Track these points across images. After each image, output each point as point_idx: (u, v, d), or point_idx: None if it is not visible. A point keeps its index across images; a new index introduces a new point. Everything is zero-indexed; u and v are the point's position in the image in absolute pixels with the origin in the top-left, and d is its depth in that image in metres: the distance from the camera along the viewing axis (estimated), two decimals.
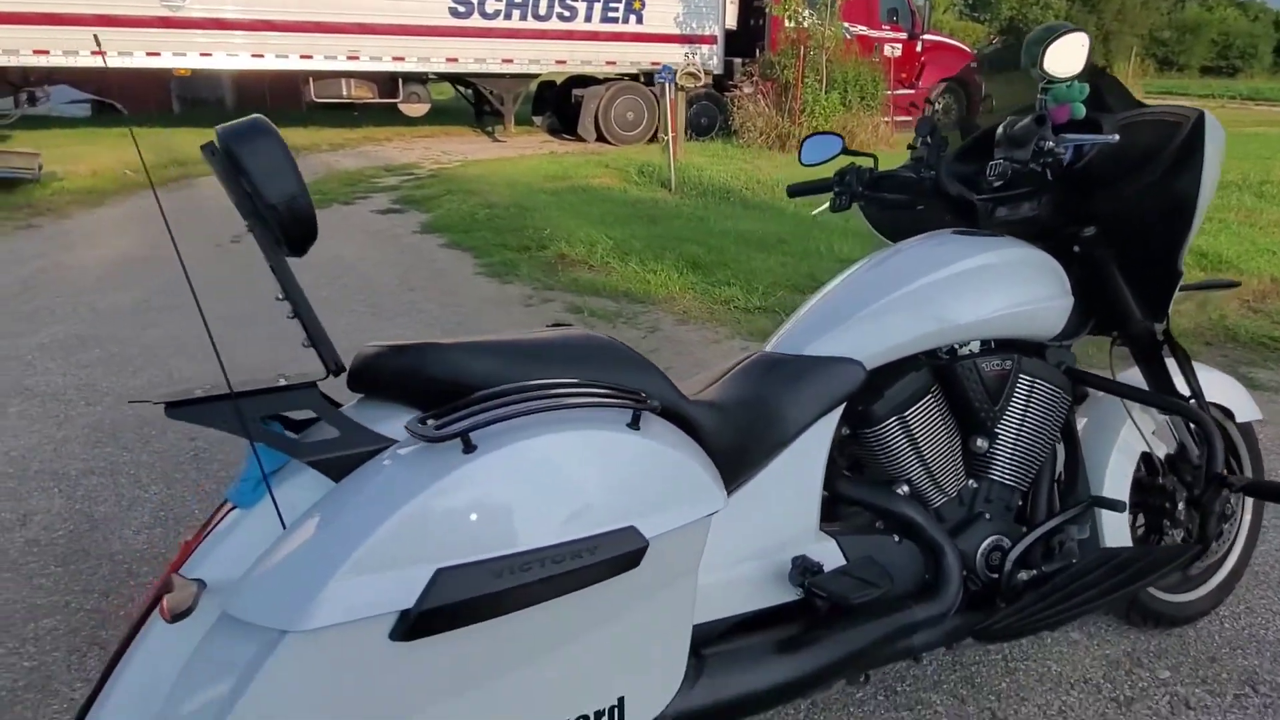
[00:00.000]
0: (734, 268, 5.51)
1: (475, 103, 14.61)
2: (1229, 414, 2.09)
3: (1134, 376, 1.99)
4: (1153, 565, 1.82)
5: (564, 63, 13.17)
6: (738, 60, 13.98)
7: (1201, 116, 1.68)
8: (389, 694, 1.14)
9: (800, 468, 1.58)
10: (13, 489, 2.80)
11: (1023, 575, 1.77)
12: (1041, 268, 1.78)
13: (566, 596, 1.18)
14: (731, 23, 14.17)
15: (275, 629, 1.09)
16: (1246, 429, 2.16)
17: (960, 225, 1.86)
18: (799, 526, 1.58)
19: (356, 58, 11.99)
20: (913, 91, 14.64)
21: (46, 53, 10.50)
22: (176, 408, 1.22)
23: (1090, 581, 1.76)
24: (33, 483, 2.84)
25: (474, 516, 1.14)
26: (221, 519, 1.30)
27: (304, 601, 1.08)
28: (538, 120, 15.06)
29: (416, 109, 13.64)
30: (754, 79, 12.60)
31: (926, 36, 15.05)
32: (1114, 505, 1.86)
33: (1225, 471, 1.91)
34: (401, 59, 12.22)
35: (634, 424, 1.25)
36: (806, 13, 12.22)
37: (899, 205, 1.96)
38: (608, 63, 13.39)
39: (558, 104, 14.39)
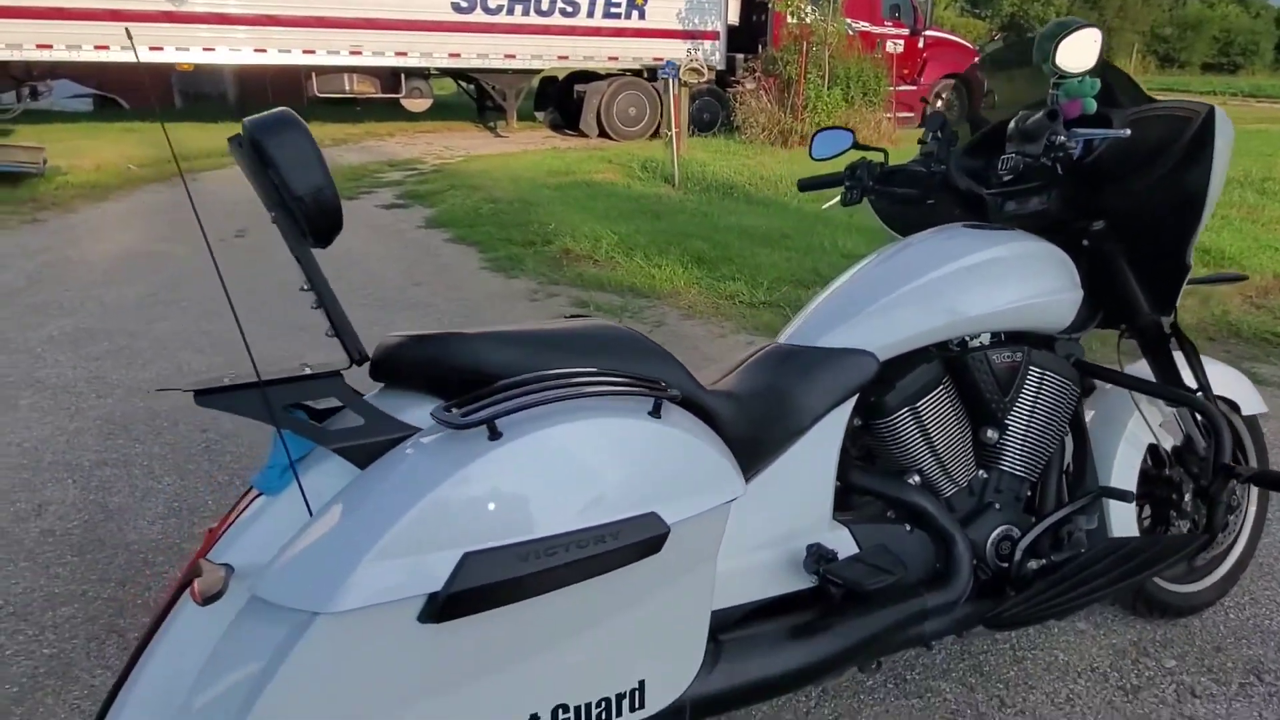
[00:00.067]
0: (738, 263, 5.53)
1: (477, 98, 14.60)
2: (1235, 407, 2.12)
3: (1141, 369, 2.02)
4: (1160, 555, 1.85)
5: (566, 58, 13.18)
6: (740, 56, 13.98)
7: (1212, 111, 1.70)
8: (416, 675, 1.17)
9: (814, 457, 1.60)
10: (27, 480, 2.82)
11: (1032, 564, 1.79)
12: (1051, 261, 1.80)
13: (590, 581, 1.20)
14: (734, 18, 14.16)
15: (306, 611, 1.11)
16: (1252, 422, 2.18)
17: (970, 219, 1.88)
18: (813, 515, 1.61)
19: (359, 53, 12.00)
20: (915, 88, 14.64)
21: (50, 47, 10.51)
22: (205, 395, 1.23)
23: (1099, 570, 1.78)
24: (46, 474, 2.87)
25: (500, 502, 1.16)
26: (247, 506, 1.32)
27: (335, 584, 1.10)
28: (540, 116, 15.07)
29: (419, 104, 13.63)
30: (756, 75, 12.58)
31: (928, 32, 15.05)
32: (1122, 496, 1.88)
33: (1232, 463, 1.93)
34: (404, 54, 12.23)
35: (655, 413, 1.27)
36: (809, 8, 12.22)
37: (909, 199, 1.98)
38: (610, 58, 13.39)
39: (560, 99, 14.39)
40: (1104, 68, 1.77)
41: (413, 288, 5.19)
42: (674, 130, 8.86)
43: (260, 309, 4.52)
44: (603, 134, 13.25)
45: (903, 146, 2.19)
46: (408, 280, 5.35)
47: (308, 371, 1.29)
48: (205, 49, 11.20)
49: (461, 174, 9.31)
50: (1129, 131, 1.70)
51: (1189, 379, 1.95)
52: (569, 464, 1.20)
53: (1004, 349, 1.77)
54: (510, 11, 12.56)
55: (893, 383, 1.70)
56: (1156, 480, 2.03)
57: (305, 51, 11.73)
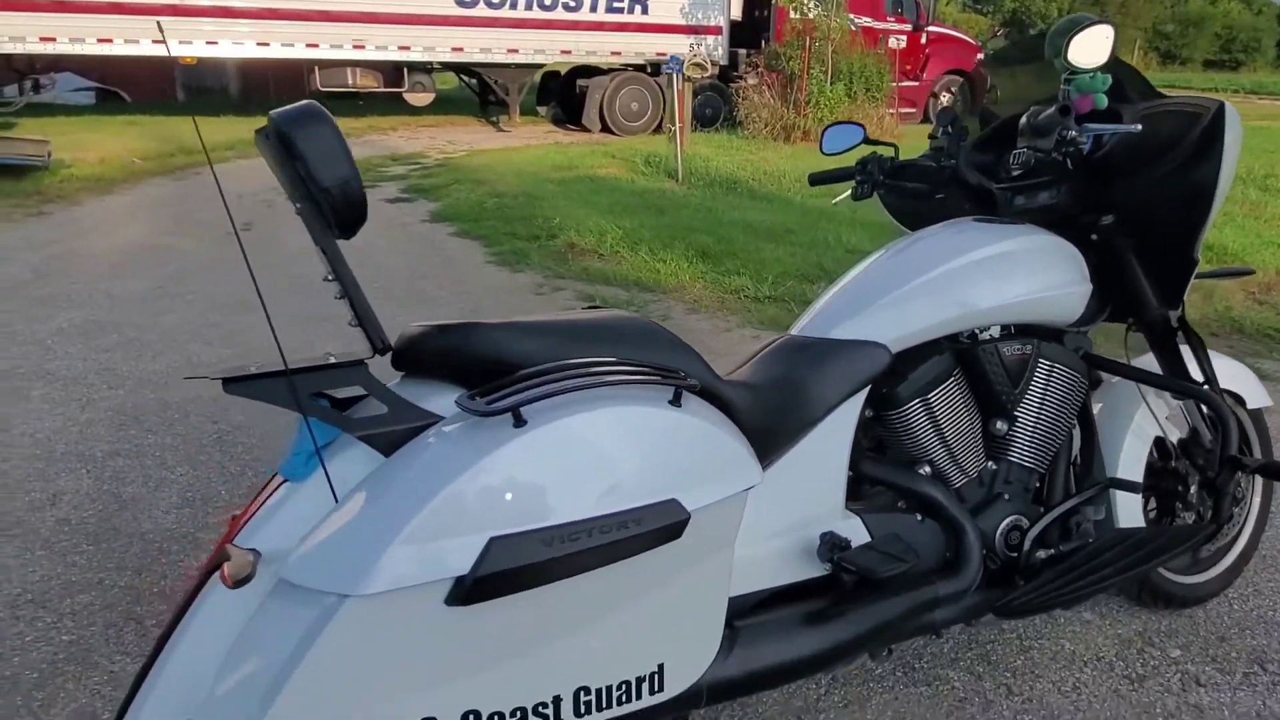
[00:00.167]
0: (743, 257, 5.54)
1: (480, 92, 14.60)
2: (1240, 400, 2.14)
3: (1147, 363, 2.04)
4: (1167, 545, 1.87)
5: (569, 53, 13.18)
6: (742, 51, 13.97)
7: (1222, 107, 1.72)
8: (443, 657, 1.19)
9: (827, 447, 1.63)
10: (41, 469, 2.85)
11: (1041, 554, 1.82)
12: (1061, 255, 1.82)
13: (612, 566, 1.22)
14: (736, 13, 14.17)
15: (336, 594, 1.14)
16: (1256, 415, 2.20)
17: (979, 214, 1.90)
18: (826, 504, 1.63)
19: (362, 47, 12.00)
20: (917, 84, 14.64)
21: (53, 40, 10.51)
22: (233, 383, 1.26)
23: (1107, 560, 1.81)
24: (60, 464, 2.89)
25: (525, 488, 1.19)
26: (272, 492, 1.35)
27: (364, 568, 1.12)
28: (542, 110, 15.07)
29: (421, 98, 13.63)
30: (759, 70, 12.58)
31: (931, 28, 15.05)
32: (1131, 487, 1.91)
33: (1238, 454, 1.96)
34: (407, 48, 12.23)
35: (676, 401, 1.29)
36: (812, 4, 12.22)
37: (919, 194, 2.00)
38: (612, 53, 13.38)
39: (562, 94, 14.39)
40: (1114, 64, 1.79)
41: (419, 281, 5.21)
42: (678, 125, 8.86)
43: (270, 301, 4.53)
44: (605, 129, 13.25)
45: (906, 142, 2.20)
46: (414, 274, 5.37)
47: (332, 360, 1.32)
48: (209, 42, 11.20)
49: (465, 168, 9.33)
50: (1140, 126, 1.72)
51: (1195, 372, 1.97)
52: (592, 451, 1.23)
53: (1014, 342, 1.79)
54: (513, 6, 12.56)
55: (904, 374, 1.72)
56: (1162, 472, 2.05)
57: (308, 45, 11.72)
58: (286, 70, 13.50)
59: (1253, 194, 7.56)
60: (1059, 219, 1.90)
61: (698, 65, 11.09)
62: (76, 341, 4.04)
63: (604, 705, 1.30)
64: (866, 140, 2.11)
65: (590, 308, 1.55)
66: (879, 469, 1.74)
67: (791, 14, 12.61)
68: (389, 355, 1.37)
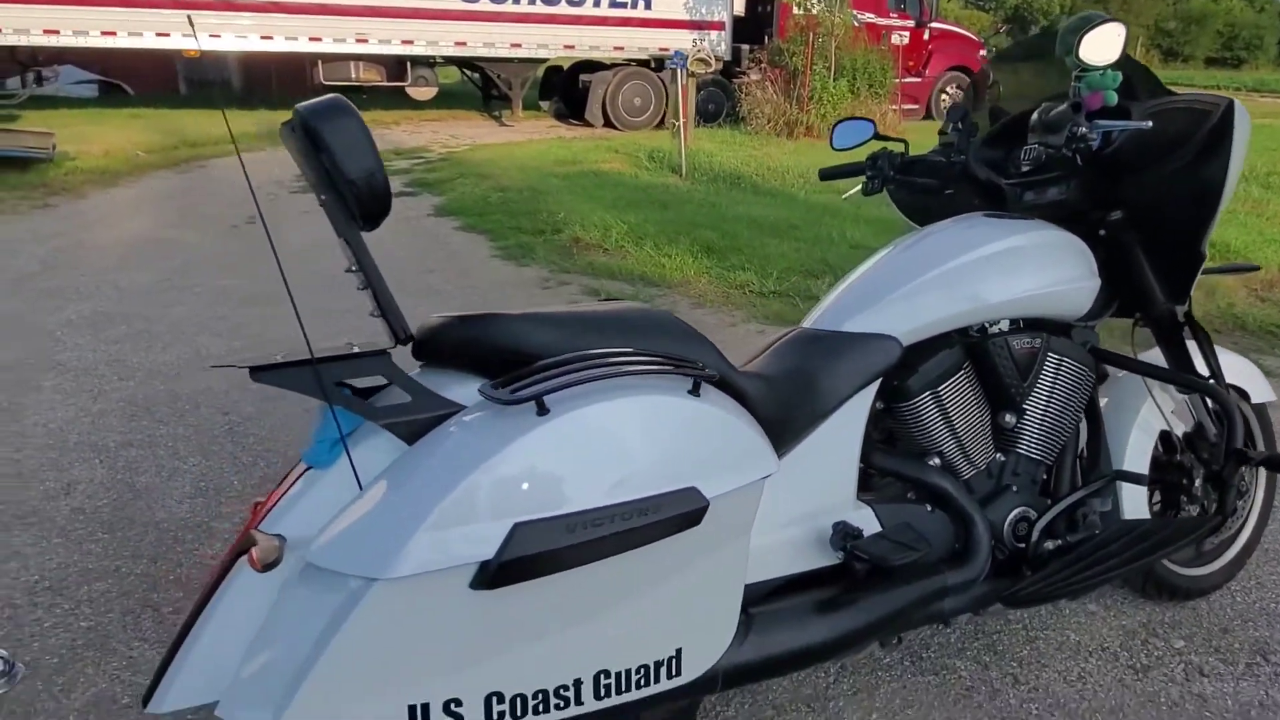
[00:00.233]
0: (747, 253, 5.56)
1: (482, 87, 14.61)
2: (1244, 395, 2.16)
3: (1154, 357, 2.06)
4: (1173, 536, 1.90)
5: (572, 48, 13.18)
6: (745, 47, 13.97)
7: (1231, 104, 1.74)
8: (467, 640, 1.22)
9: (839, 438, 1.65)
10: (55, 459, 2.87)
11: (1048, 545, 1.84)
12: (1070, 250, 1.84)
13: (633, 551, 1.25)
14: (739, 9, 14.16)
15: (364, 578, 1.16)
16: (1260, 410, 2.23)
17: (988, 209, 1.93)
18: (838, 494, 1.66)
19: (365, 40, 12.01)
20: (920, 80, 14.64)
21: (56, 32, 10.52)
22: (260, 372, 1.28)
23: (1113, 551, 1.83)
24: (73, 454, 2.91)
25: (548, 475, 1.21)
26: (296, 480, 1.37)
27: (392, 552, 1.15)
28: (544, 105, 15.06)
29: (424, 92, 13.65)
30: (762, 66, 12.59)
31: (934, 25, 15.04)
32: (1136, 479, 1.94)
33: (1244, 447, 1.98)
34: (410, 42, 12.23)
35: (695, 391, 1.32)
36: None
37: (928, 189, 2.02)
38: (615, 48, 13.39)
39: (564, 89, 14.39)
40: (1125, 61, 1.81)
41: (426, 275, 5.23)
42: (682, 120, 8.87)
43: (277, 295, 4.55)
44: (607, 124, 13.26)
45: (909, 139, 2.21)
46: (420, 268, 5.39)
47: (356, 350, 1.34)
48: (212, 35, 11.20)
49: (469, 162, 9.34)
50: (1150, 123, 1.74)
51: (1201, 367, 2.00)
52: (613, 439, 1.25)
53: (1023, 335, 1.82)
54: (517, 1, 12.56)
55: (915, 367, 1.74)
56: (1167, 466, 2.08)
57: (312, 39, 11.74)
58: (288, 64, 13.49)
59: (1255, 191, 7.57)
60: (1068, 214, 1.92)
61: (702, 60, 11.08)
62: (86, 333, 4.06)
63: (623, 688, 1.32)
64: (877, 136, 2.13)
65: (607, 300, 1.57)
66: (889, 460, 1.76)
67: (794, 9, 12.61)
68: (409, 346, 1.39)
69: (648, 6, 13.32)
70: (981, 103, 2.26)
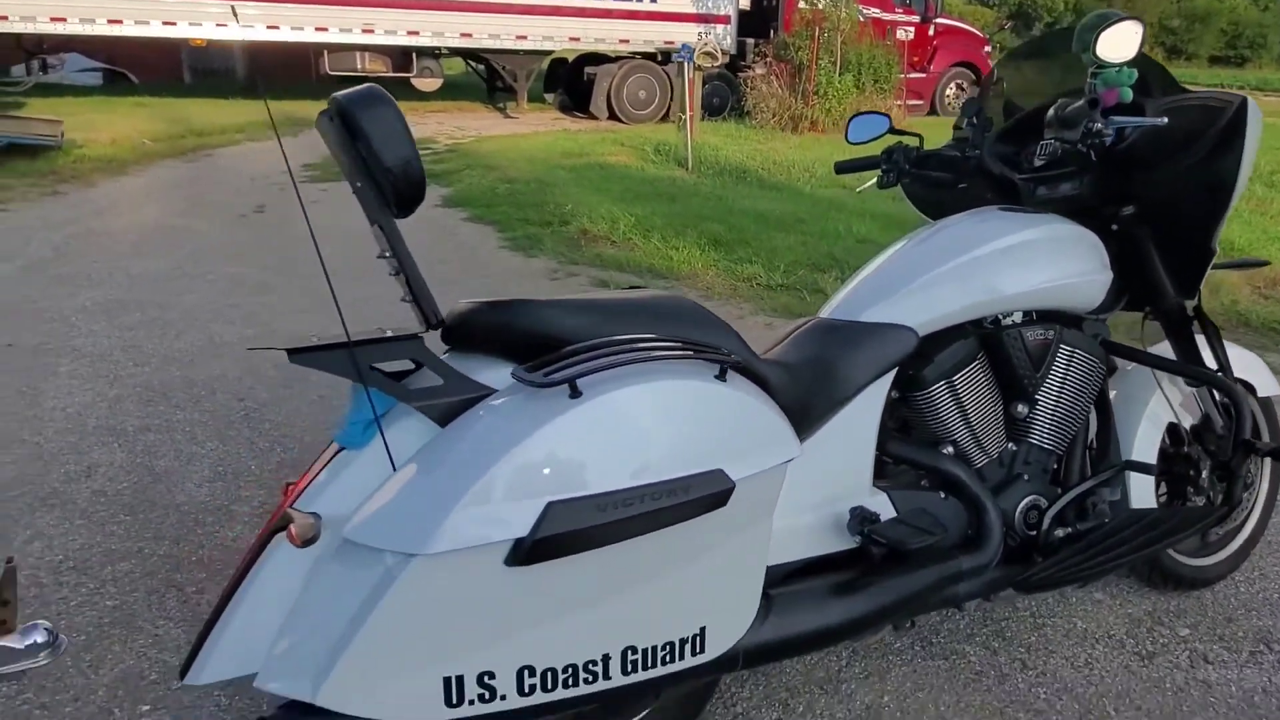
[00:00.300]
0: (754, 246, 5.60)
1: (487, 78, 14.61)
2: (1251, 389, 2.20)
3: (1163, 350, 2.10)
4: (1180, 525, 1.94)
5: (578, 40, 13.20)
6: (750, 41, 13.98)
7: (1245, 102, 1.77)
8: (501, 614, 1.26)
9: (856, 425, 1.69)
10: (74, 443, 2.91)
11: (1059, 532, 1.88)
12: (1083, 244, 1.88)
13: (661, 531, 1.29)
14: (745, 3, 14.17)
15: (403, 553, 1.20)
16: (1266, 403, 2.27)
17: (1002, 203, 1.96)
18: (855, 480, 1.70)
19: (371, 31, 12.03)
20: (925, 76, 14.65)
21: (63, 20, 10.53)
22: (297, 354, 1.31)
23: (1122, 539, 1.87)
24: (92, 438, 2.95)
25: (580, 456, 1.25)
26: (328, 461, 1.41)
27: (430, 529, 1.19)
28: (549, 97, 15.07)
29: (429, 84, 13.66)
30: (767, 60, 12.59)
31: (939, 20, 15.04)
32: (1145, 469, 1.97)
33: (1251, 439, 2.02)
34: (416, 33, 12.25)
35: (721, 376, 1.35)
36: None
37: (942, 183, 2.06)
38: (621, 41, 13.40)
39: (569, 81, 14.40)
40: (1140, 59, 1.84)
41: (437, 266, 5.25)
42: (688, 114, 8.89)
43: (291, 283, 4.59)
44: (612, 116, 13.27)
45: (920, 134, 2.24)
46: (430, 258, 5.40)
47: (389, 335, 1.37)
48: (218, 24, 11.22)
49: (475, 154, 9.37)
50: (1165, 120, 1.77)
51: (1209, 360, 2.03)
52: (643, 422, 1.29)
53: (1036, 327, 1.85)
54: None
55: (931, 357, 1.78)
56: (1175, 457, 2.12)
57: (318, 29, 11.76)
58: (293, 54, 13.50)
59: (1259, 190, 7.59)
60: (1080, 209, 1.96)
61: (708, 54, 11.11)
62: (100, 319, 4.10)
63: (649, 664, 1.36)
64: (892, 130, 2.16)
65: (633, 287, 1.61)
66: (905, 448, 1.80)
67: (800, 4, 12.61)
68: (439, 330, 1.43)
69: (654, 0, 13.33)
70: (985, 97, 2.29)
